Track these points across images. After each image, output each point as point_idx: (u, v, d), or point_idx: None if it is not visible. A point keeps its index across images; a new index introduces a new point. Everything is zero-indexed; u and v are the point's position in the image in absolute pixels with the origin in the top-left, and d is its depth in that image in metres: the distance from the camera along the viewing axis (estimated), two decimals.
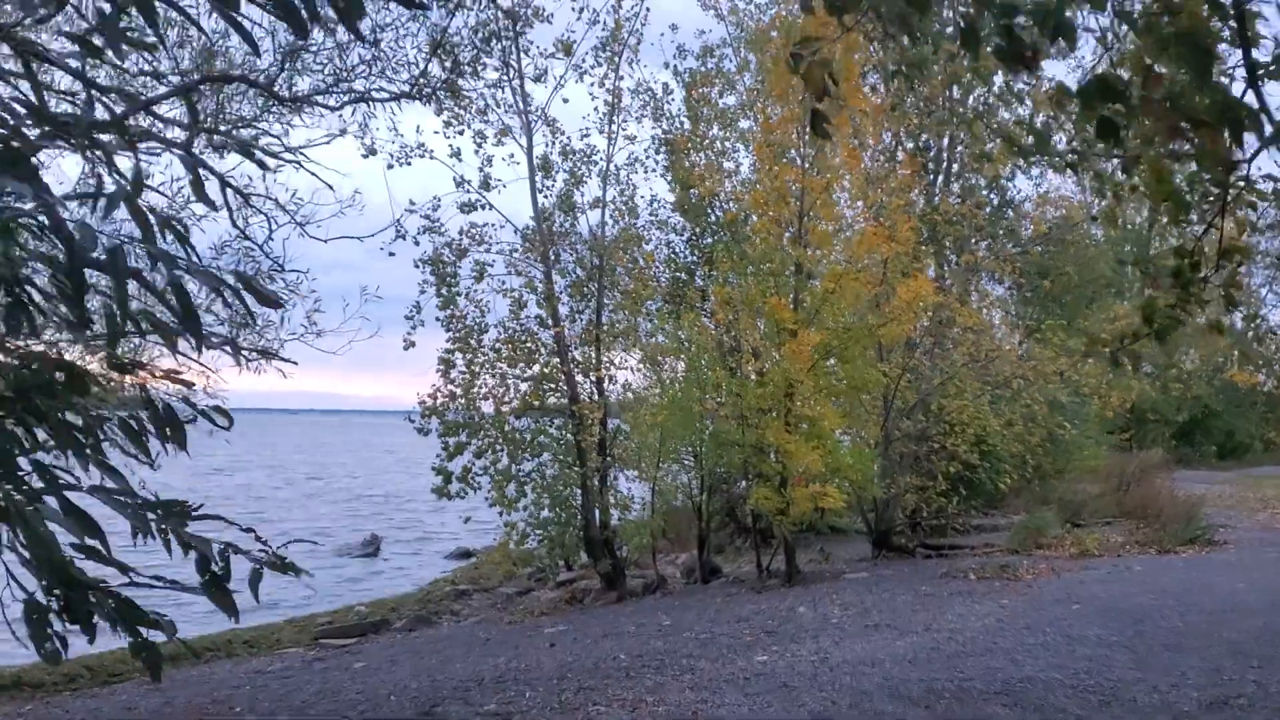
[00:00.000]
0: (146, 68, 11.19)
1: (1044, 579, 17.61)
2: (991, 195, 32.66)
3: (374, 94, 10.69)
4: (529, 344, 21.95)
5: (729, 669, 11.24)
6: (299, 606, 26.12)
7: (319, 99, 10.62)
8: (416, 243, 21.14)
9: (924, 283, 19.43)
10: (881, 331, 20.07)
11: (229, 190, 11.28)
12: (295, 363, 12.43)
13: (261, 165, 11.72)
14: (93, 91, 9.17)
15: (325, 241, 11.28)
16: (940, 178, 30.65)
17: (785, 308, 19.31)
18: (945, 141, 30.80)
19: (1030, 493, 27.82)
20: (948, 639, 12.32)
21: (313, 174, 11.78)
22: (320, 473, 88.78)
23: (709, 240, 27.17)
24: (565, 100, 22.20)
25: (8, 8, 7.87)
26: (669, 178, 26.76)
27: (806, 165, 20.06)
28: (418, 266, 21.09)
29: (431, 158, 20.77)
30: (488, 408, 21.75)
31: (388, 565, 35.51)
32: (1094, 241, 39.55)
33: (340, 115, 11.96)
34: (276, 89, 10.50)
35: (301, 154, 11.68)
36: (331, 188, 12.04)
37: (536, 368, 22.04)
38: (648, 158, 24.43)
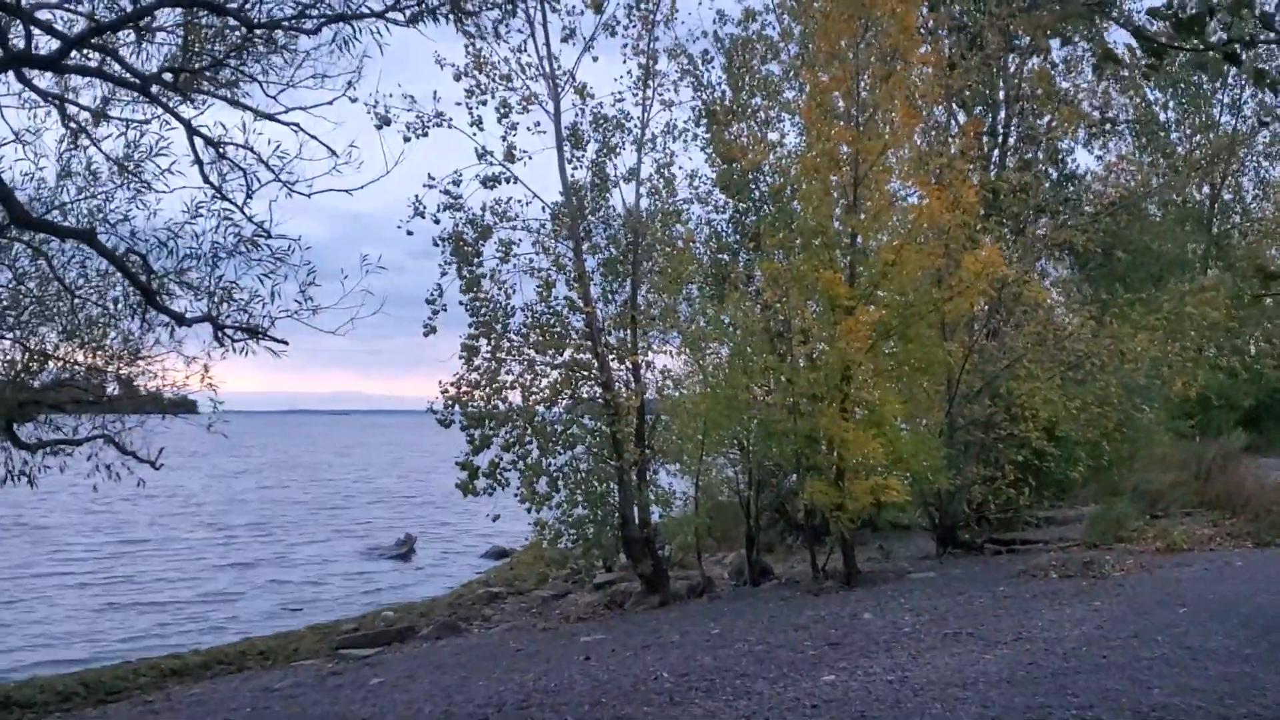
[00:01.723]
0: None
1: (1134, 577, 15.80)
2: (1050, 170, 30.83)
3: (361, 9, 9.00)
4: (558, 328, 20.25)
5: (792, 692, 9.52)
6: (324, 612, 24.76)
7: (292, 21, 8.98)
8: (436, 220, 19.56)
9: (993, 252, 17.60)
10: (947, 307, 18.32)
11: (196, 140, 9.72)
12: (285, 342, 10.87)
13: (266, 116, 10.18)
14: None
15: (309, 196, 9.65)
16: (996, 152, 28.83)
17: (840, 283, 17.54)
18: (1002, 115, 29.00)
19: (1099, 482, 25.86)
20: (1045, 651, 10.55)
21: (313, 136, 10.21)
22: (356, 473, 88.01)
23: (752, 219, 25.47)
24: (595, 58, 20.13)
25: None
26: (709, 151, 25.07)
27: (860, 128, 18.28)
28: (436, 245, 19.48)
29: (450, 127, 19.17)
30: (515, 397, 20.11)
31: (420, 566, 34.21)
32: (1155, 218, 37.65)
33: (341, 70, 10.37)
34: (248, 13, 8.88)
35: (297, 113, 10.13)
36: (335, 153, 10.39)
37: (567, 353, 20.34)
38: (686, 130, 22.64)
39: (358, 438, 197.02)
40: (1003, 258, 19.20)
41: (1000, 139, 28.74)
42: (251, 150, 9.66)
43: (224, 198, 10.00)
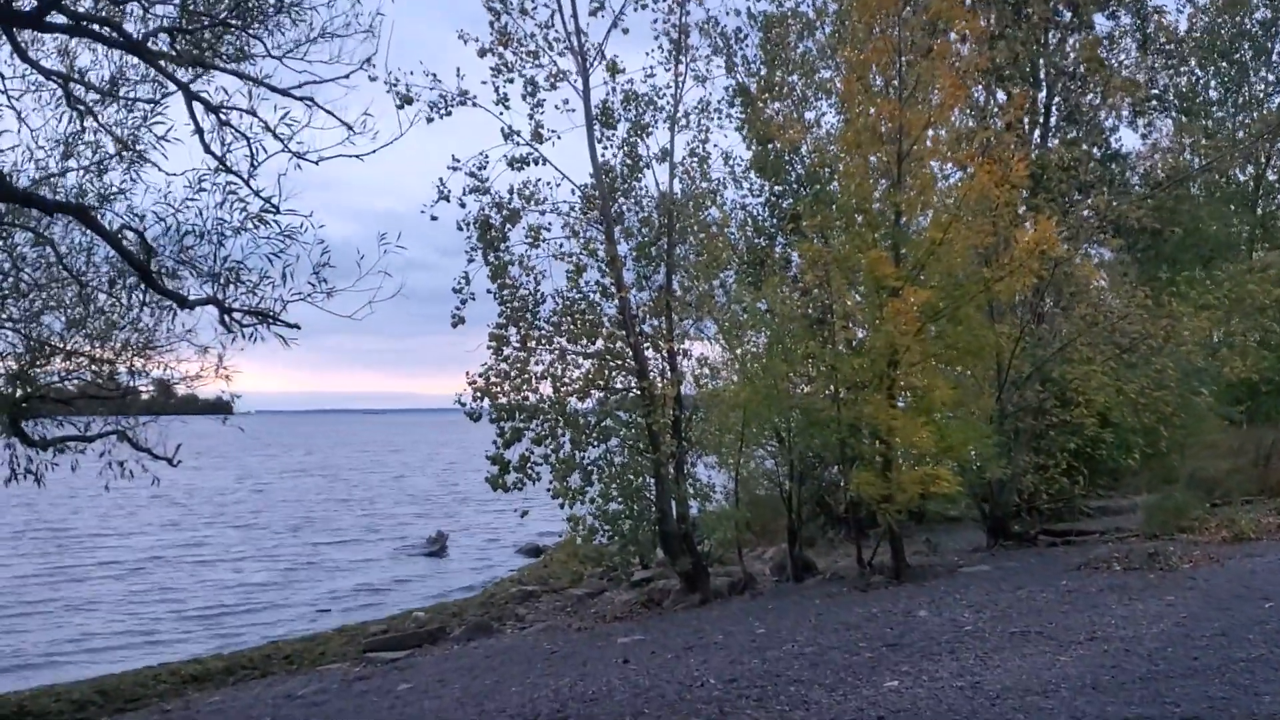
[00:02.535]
0: None
1: (1204, 569, 14.82)
2: (1093, 149, 29.82)
3: None
4: (590, 316, 19.42)
5: (853, 701, 8.67)
6: (354, 613, 24.11)
7: None
8: (462, 204, 18.79)
9: (1046, 227, 16.62)
10: (998, 287, 17.38)
11: (196, 105, 8.95)
12: (298, 326, 10.09)
13: (279, 91, 9.44)
14: None
15: (317, 164, 8.86)
16: (1037, 133, 27.85)
17: (886, 262, 16.65)
18: (1043, 93, 28.01)
19: (1151, 470, 24.81)
20: (1125, 652, 9.65)
21: (327, 110, 9.45)
22: (388, 471, 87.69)
23: (789, 202, 24.62)
24: (625, 30, 19.25)
25: None
26: (744, 133, 24.24)
27: (903, 101, 17.38)
28: (461, 229, 18.69)
29: (475, 104, 18.39)
30: (546, 389, 19.31)
31: (453, 564, 33.56)
32: (1199, 198, 36.50)
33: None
34: None
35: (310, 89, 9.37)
36: (350, 127, 9.61)
37: (600, 342, 19.52)
38: (720, 108, 21.79)
39: (391, 435, 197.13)
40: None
41: (1042, 117, 27.78)
42: (255, 115, 8.87)
43: (228, 170, 9.21)
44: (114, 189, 9.59)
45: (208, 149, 8.95)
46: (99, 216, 9.18)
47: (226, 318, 9.66)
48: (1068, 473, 20.93)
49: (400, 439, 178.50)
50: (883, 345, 16.83)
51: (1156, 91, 32.71)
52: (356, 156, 8.85)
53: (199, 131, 8.87)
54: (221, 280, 9.59)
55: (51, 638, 22.09)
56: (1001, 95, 26.01)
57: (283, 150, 9.29)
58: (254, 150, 9.06)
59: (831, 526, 25.88)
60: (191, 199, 9.37)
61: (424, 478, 77.99)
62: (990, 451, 18.08)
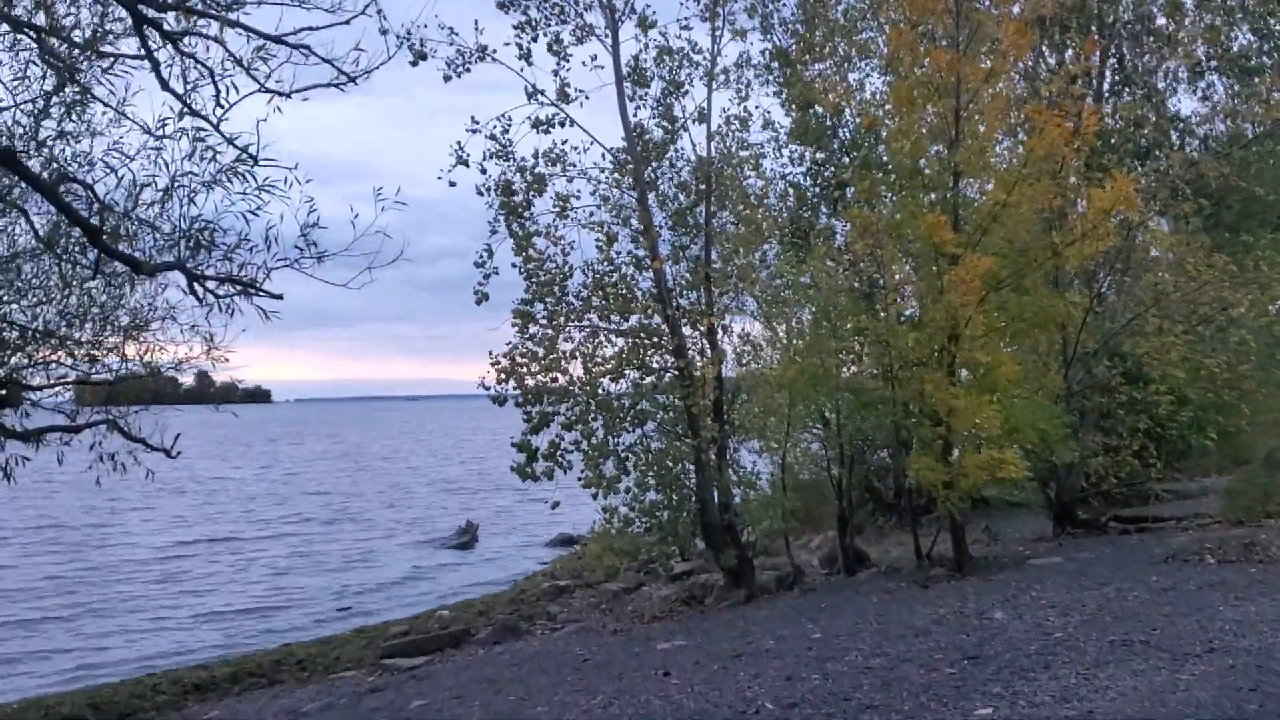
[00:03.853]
0: None
1: None
2: (1149, 114, 28.17)
3: None
4: (623, 289, 17.96)
5: None
6: (376, 611, 22.87)
7: None
8: (483, 170, 17.41)
9: (1125, 185, 15.01)
10: (1068, 252, 15.83)
11: (150, 32, 7.53)
12: (280, 297, 8.70)
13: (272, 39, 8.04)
14: None
15: (288, 96, 7.44)
16: (1089, 99, 26.26)
17: (945, 227, 15.15)
18: (1096, 56, 26.40)
19: (1223, 450, 23.11)
20: (1256, 669, 8.14)
21: (327, 60, 8.03)
22: (418, 459, 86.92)
23: (831, 170, 23.12)
24: None
25: None
26: (784, 97, 22.72)
27: (961, 50, 15.87)
28: (481, 194, 17.31)
29: (495, 60, 16.97)
30: (576, 369, 17.89)
31: (482, 556, 32.33)
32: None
33: None
34: None
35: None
36: (351, 78, 8.20)
37: (634, 318, 18.06)
38: (759, 65, 20.31)
39: (424, 421, 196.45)
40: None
41: (1095, 81, 26.18)
42: (222, 45, 7.45)
43: (193, 112, 7.80)
44: (53, 133, 8.14)
45: (165, 85, 7.53)
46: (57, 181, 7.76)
47: (196, 286, 8.26)
48: (1138, 454, 19.39)
49: (433, 425, 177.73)
50: (942, 318, 15.37)
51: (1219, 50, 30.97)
52: (338, 85, 7.42)
53: (153, 65, 7.43)
54: (190, 243, 8.19)
55: (57, 642, 20.91)
56: (1053, 60, 24.57)
57: (259, 90, 7.85)
58: (221, 89, 7.60)
59: (881, 513, 24.42)
60: (153, 147, 7.99)
61: (455, 465, 76.83)
62: (1060, 432, 16.57)
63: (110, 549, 34.26)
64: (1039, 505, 20.46)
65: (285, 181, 8.33)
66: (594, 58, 17.80)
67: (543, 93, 17.35)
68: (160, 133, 7.84)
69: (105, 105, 7.94)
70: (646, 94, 18.27)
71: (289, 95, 7.60)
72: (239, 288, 8.52)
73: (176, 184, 7.95)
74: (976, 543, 19.15)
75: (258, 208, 8.21)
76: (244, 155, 8.09)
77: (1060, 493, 19.42)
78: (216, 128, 7.86)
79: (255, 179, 8.16)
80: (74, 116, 8.13)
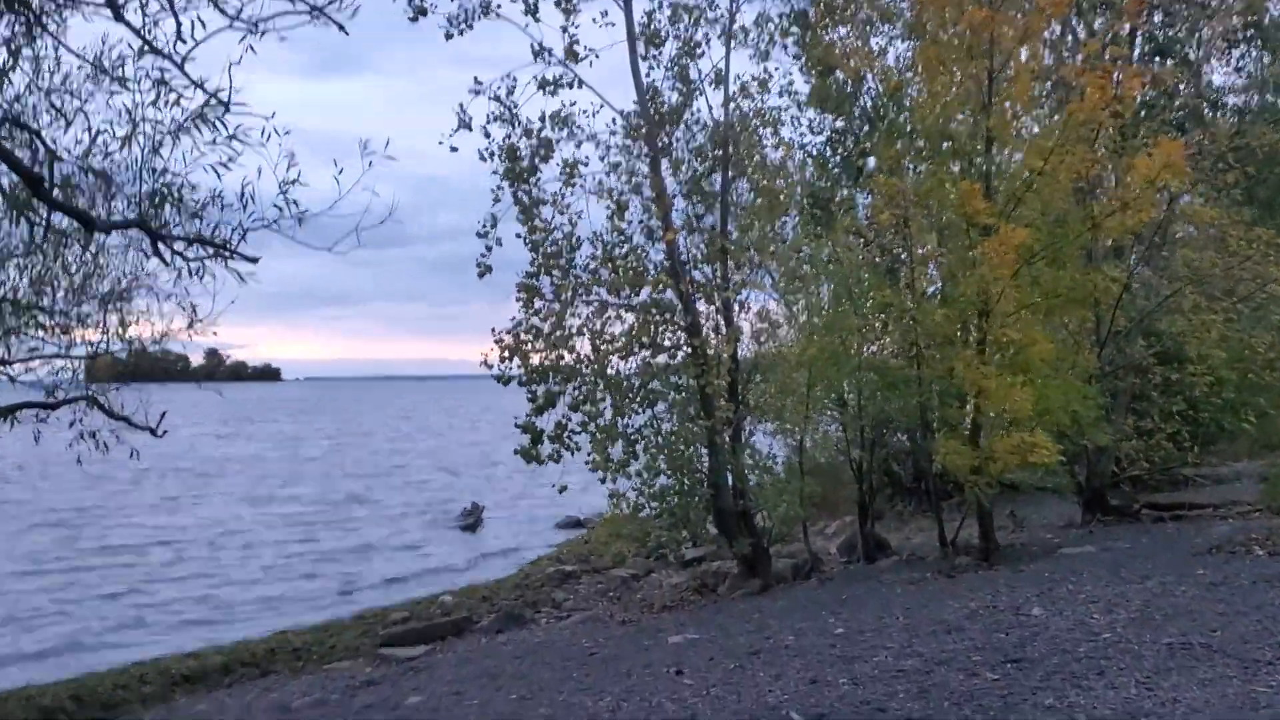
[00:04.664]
0: None
1: None
2: (1182, 87, 27.25)
3: None
4: (634, 262, 17.07)
5: None
6: (377, 595, 22.10)
7: None
8: (486, 134, 16.52)
9: (1174, 149, 14.06)
10: (1109, 224, 14.93)
11: None
12: (256, 259, 7.84)
13: None
14: None
15: (258, 31, 6.52)
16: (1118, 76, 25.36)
17: (979, 195, 14.26)
18: (1126, 29, 25.49)
19: (1249, 434, 22.17)
20: None
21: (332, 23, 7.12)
22: (425, 439, 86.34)
23: (852, 140, 22.24)
24: None
25: None
26: (803, 62, 21.80)
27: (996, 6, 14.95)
28: (484, 159, 16.42)
29: (499, 16, 16.07)
30: (584, 346, 17.04)
31: (488, 539, 31.57)
32: None
33: None
34: None
35: None
36: (345, 30, 7.30)
37: (646, 292, 17.16)
38: (778, 30, 19.37)
39: (431, 401, 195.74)
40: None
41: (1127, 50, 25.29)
42: None
43: (155, 50, 6.92)
44: None
45: (119, 15, 6.63)
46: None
47: (160, 246, 7.38)
48: (1172, 438, 18.52)
49: (442, 404, 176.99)
50: (974, 293, 14.49)
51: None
52: (314, 13, 6.52)
53: None
54: (154, 199, 7.32)
55: (55, 625, 20.13)
56: (1082, 33, 23.65)
57: (228, 26, 6.94)
58: (185, 22, 6.70)
59: (900, 498, 23.59)
60: (111, 90, 7.12)
61: (462, 445, 75.96)
62: (1094, 414, 15.69)
63: (110, 530, 33.42)
64: (1065, 490, 19.61)
65: (263, 133, 7.48)
66: (604, 14, 16.96)
67: (550, 51, 16.50)
68: (117, 74, 6.96)
69: (56, 40, 7.03)
70: (660, 54, 17.36)
71: (258, 30, 6.68)
72: (211, 250, 7.66)
73: (138, 130, 7.09)
74: (1001, 529, 18.30)
75: (229, 159, 7.35)
76: (213, 100, 7.21)
77: (1090, 478, 18.56)
78: (180, 67, 6.97)
79: (226, 127, 7.29)
80: (13, 53, 7.24)
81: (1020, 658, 8.83)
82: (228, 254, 7.76)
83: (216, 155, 7.41)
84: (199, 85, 7.22)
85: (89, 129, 7.08)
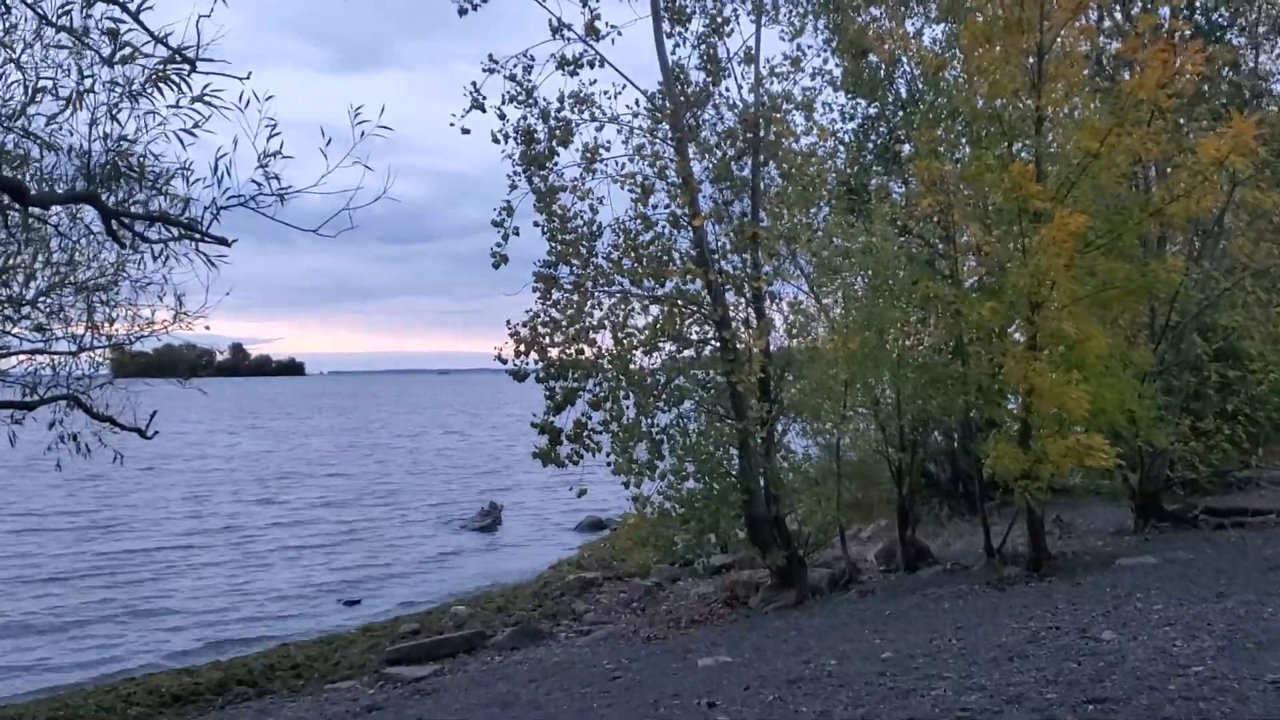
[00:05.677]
0: None
1: None
2: (1225, 70, 26.18)
3: None
4: (659, 251, 16.05)
5: None
6: (387, 602, 21.14)
7: None
8: (501, 115, 15.53)
9: (1245, 127, 12.93)
10: (1172, 209, 13.82)
11: None
12: (229, 241, 6.83)
13: None
14: None
15: None
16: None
17: (1031, 178, 13.19)
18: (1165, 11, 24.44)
19: None
20: None
21: None
22: (443, 435, 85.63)
23: (885, 127, 21.22)
24: None
25: None
26: (834, 45, 20.79)
27: None
28: (497, 141, 15.42)
29: None
30: (605, 340, 16.05)
31: (506, 541, 30.62)
32: None
33: None
34: None
35: None
36: None
37: (671, 283, 16.14)
38: (811, 9, 18.35)
39: (453, 395, 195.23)
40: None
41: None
42: None
43: None
44: None
45: None
46: None
47: (114, 224, 6.35)
48: (1230, 439, 17.44)
49: (463, 399, 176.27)
50: (1026, 284, 13.40)
51: None
52: None
53: None
54: (106, 169, 6.30)
55: (40, 635, 19.21)
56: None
57: None
58: None
59: (937, 499, 22.54)
60: (56, 44, 6.11)
61: (482, 442, 75.02)
62: (1151, 414, 14.61)
63: (111, 531, 32.54)
64: (1119, 494, 18.53)
65: (241, 99, 6.47)
66: None
67: (569, 27, 15.49)
68: (61, 23, 5.95)
69: None
70: (686, 31, 16.37)
71: None
72: (177, 231, 6.65)
73: (85, 89, 6.08)
74: (1048, 535, 17.24)
75: (195, 125, 6.34)
76: (176, 56, 6.19)
77: (1144, 482, 17.47)
78: (135, 17, 5.96)
79: (191, 88, 6.27)
80: None
81: (1103, 697, 7.73)
82: (197, 235, 6.73)
83: (180, 121, 6.40)
84: (161, 40, 6.22)
85: (24, 85, 6.07)
